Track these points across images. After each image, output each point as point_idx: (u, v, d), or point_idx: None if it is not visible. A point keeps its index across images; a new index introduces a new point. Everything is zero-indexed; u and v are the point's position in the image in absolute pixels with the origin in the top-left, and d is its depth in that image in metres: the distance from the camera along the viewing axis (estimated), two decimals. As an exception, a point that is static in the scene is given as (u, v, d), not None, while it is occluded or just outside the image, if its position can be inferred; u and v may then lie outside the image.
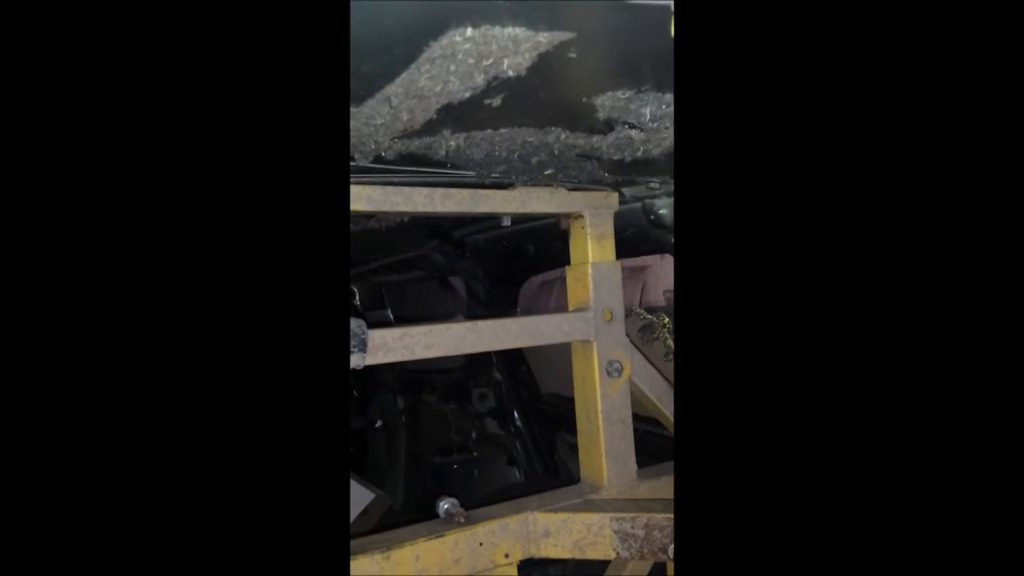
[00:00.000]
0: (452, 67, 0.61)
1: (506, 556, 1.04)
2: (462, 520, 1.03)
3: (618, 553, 1.06)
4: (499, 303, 2.10)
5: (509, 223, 1.17)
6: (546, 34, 0.57)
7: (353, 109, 0.69)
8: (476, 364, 2.37)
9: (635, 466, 1.19)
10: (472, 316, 2.19)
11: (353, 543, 0.97)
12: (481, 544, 1.02)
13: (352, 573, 0.91)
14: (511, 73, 0.63)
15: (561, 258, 1.25)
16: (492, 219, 1.31)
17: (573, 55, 0.61)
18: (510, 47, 0.58)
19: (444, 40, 0.56)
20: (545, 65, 0.62)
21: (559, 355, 1.42)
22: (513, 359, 2.29)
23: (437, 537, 0.98)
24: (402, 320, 2.59)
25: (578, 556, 1.08)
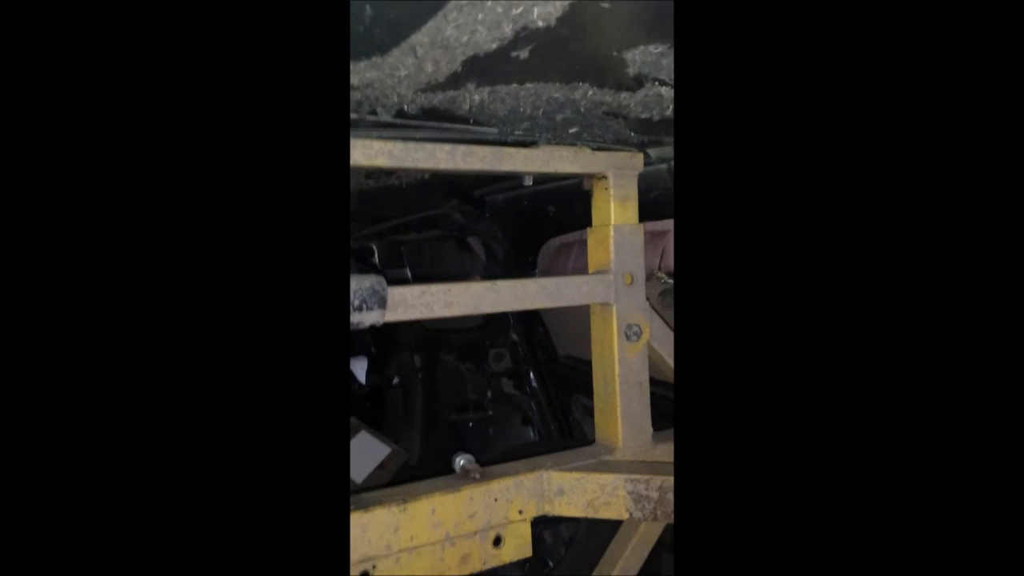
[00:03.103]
0: (480, 16, 0.59)
1: (520, 512, 1.06)
2: (478, 476, 1.04)
3: (631, 514, 1.07)
4: (518, 264, 2.09)
5: (531, 182, 1.15)
6: (579, -19, 0.55)
7: (377, 59, 0.67)
8: (493, 324, 2.37)
9: (651, 429, 1.19)
10: (490, 277, 2.19)
11: (370, 495, 0.99)
12: (496, 500, 1.03)
13: (370, 524, 0.93)
14: (540, 23, 0.61)
15: (582, 220, 1.24)
16: (513, 178, 1.29)
17: (606, 4, 0.59)
18: (541, -5, 0.56)
19: (473, -14, 0.54)
20: (576, 15, 0.60)
21: (576, 317, 1.41)
22: (530, 320, 2.29)
23: (453, 491, 1.00)
24: (419, 279, 2.60)
25: (591, 515, 1.09)
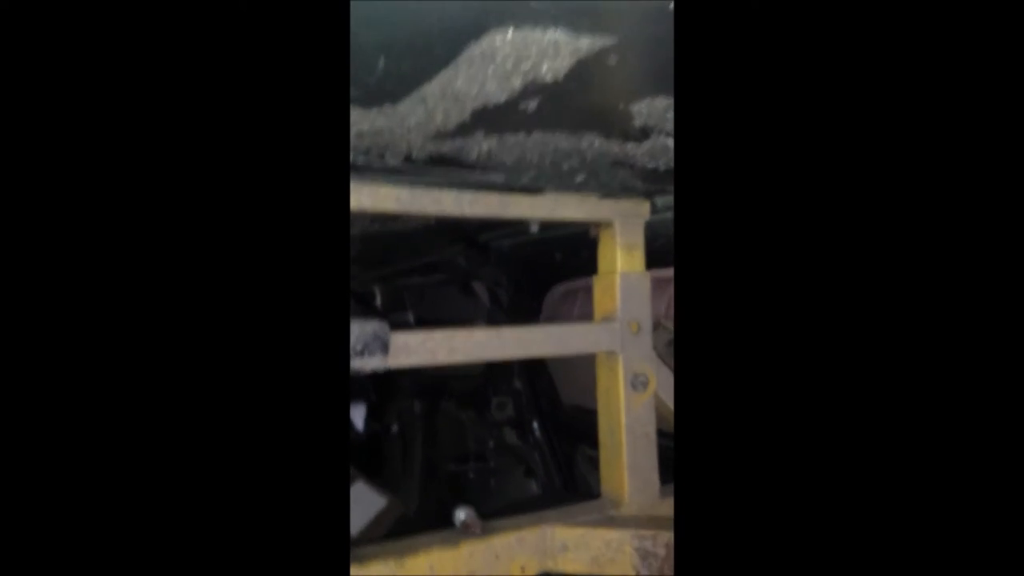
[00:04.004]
0: (490, 69, 0.60)
1: (522, 569, 1.02)
2: (478, 531, 1.01)
3: (638, 572, 1.03)
4: (522, 311, 2.08)
5: (536, 229, 1.15)
6: (587, 39, 0.56)
7: (387, 108, 0.68)
8: (496, 371, 2.35)
9: (658, 483, 1.16)
10: (493, 323, 2.18)
11: (366, 549, 0.95)
12: (497, 556, 1.00)
13: (366, 579, 0.89)
14: (549, 78, 0.62)
15: (588, 267, 1.24)
16: (518, 224, 1.30)
17: (613, 61, 0.60)
18: (550, 51, 0.57)
19: (484, 42, 0.55)
20: (583, 70, 0.61)
21: (582, 366, 1.40)
22: (534, 368, 2.27)
23: (452, 547, 0.97)
24: (422, 324, 2.59)
25: (596, 573, 1.05)
